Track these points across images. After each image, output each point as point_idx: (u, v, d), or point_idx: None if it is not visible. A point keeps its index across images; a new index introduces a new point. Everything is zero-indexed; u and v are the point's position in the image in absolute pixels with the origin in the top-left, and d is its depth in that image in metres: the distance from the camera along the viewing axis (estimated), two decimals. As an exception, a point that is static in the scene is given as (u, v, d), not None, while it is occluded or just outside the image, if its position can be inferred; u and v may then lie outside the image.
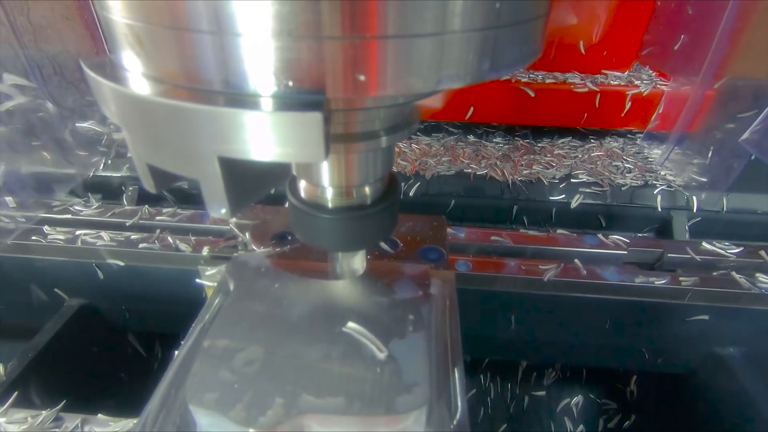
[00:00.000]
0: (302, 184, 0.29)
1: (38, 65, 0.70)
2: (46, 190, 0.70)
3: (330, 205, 0.28)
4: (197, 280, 0.40)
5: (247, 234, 0.40)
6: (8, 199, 0.63)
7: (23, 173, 0.68)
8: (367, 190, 0.28)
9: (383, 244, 0.40)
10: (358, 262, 0.33)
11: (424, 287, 0.30)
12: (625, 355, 0.67)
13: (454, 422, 0.24)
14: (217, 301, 0.31)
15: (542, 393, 0.83)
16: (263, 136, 0.18)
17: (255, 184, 0.24)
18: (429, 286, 0.31)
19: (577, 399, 0.82)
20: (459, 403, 0.25)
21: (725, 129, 0.68)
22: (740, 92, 0.66)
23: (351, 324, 0.27)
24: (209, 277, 0.39)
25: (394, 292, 0.30)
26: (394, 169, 0.79)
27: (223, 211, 0.21)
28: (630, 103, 0.80)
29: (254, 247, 0.37)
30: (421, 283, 0.31)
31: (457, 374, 0.26)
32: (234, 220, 0.43)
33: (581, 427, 0.81)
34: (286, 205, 0.30)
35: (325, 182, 0.27)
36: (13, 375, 0.55)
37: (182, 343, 0.29)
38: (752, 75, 0.65)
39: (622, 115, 0.82)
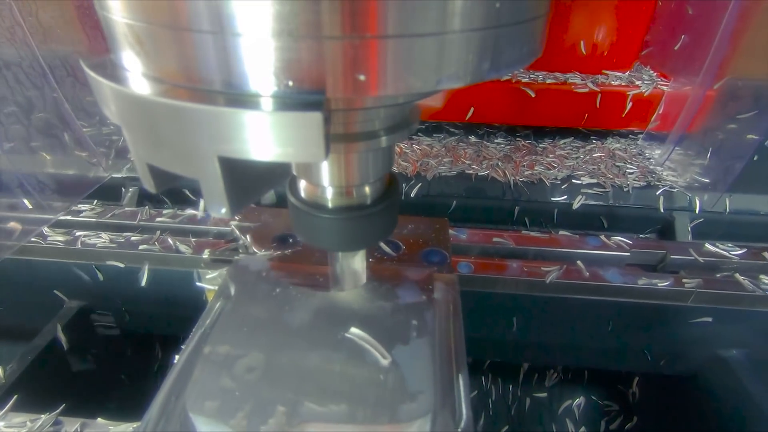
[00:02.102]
0: (302, 184, 0.29)
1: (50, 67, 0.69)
2: (67, 192, 0.69)
3: (330, 204, 0.28)
4: (197, 283, 0.40)
5: (248, 236, 0.40)
6: (25, 201, 0.62)
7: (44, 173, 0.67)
8: (367, 189, 0.28)
9: (385, 247, 0.39)
10: (358, 262, 0.33)
11: (427, 292, 0.30)
12: (627, 357, 0.66)
13: (459, 429, 0.24)
14: (218, 305, 0.30)
15: (544, 394, 0.83)
16: (263, 136, 0.18)
17: (255, 184, 0.24)
18: (432, 290, 0.30)
19: (579, 400, 0.82)
20: (464, 410, 0.24)
21: (725, 129, 0.68)
22: (740, 93, 0.66)
23: (354, 329, 0.27)
24: (210, 281, 0.38)
25: (397, 296, 0.30)
26: (395, 169, 0.79)
27: (223, 210, 0.21)
28: (631, 104, 0.80)
29: (255, 250, 0.37)
30: (425, 288, 0.30)
31: (461, 380, 0.26)
32: (235, 222, 0.43)
33: (583, 428, 0.80)
34: (287, 207, 0.30)
35: (325, 182, 0.27)
36: (13, 378, 0.55)
37: (182, 348, 0.28)
38: (752, 75, 0.65)
39: (623, 115, 0.81)
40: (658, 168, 0.77)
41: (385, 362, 0.25)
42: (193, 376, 0.24)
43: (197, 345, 0.28)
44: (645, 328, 0.60)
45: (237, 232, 0.41)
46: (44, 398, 0.55)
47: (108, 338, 0.70)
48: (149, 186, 0.24)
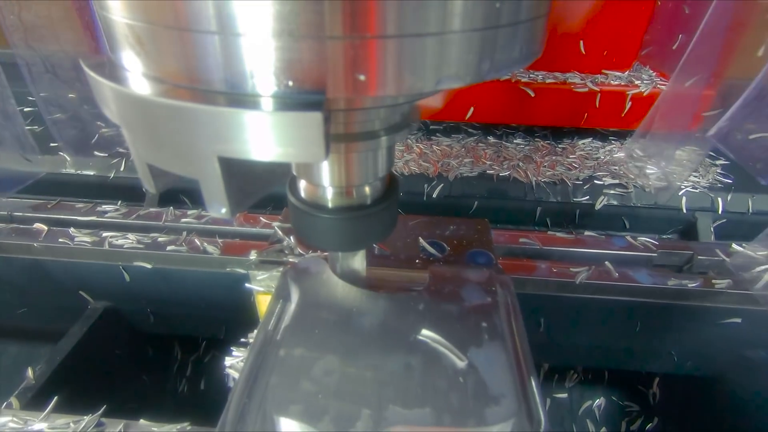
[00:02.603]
0: (302, 184, 0.29)
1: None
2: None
3: (330, 204, 0.28)
4: (247, 285, 0.40)
5: (291, 237, 0.39)
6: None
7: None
8: (367, 189, 0.28)
9: (430, 248, 0.39)
10: (358, 262, 0.33)
11: (491, 293, 0.30)
12: (652, 358, 0.66)
13: (539, 433, 0.24)
14: (278, 307, 0.30)
15: (564, 395, 0.83)
16: (263, 136, 0.18)
17: (255, 184, 0.24)
18: (496, 291, 0.30)
19: (599, 401, 0.82)
20: (541, 414, 0.24)
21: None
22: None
23: (426, 332, 0.27)
24: (260, 282, 0.38)
25: (461, 298, 0.30)
26: (416, 170, 0.79)
27: (224, 210, 0.21)
28: (630, 103, 0.80)
29: (301, 251, 0.37)
30: (488, 289, 0.30)
31: (533, 383, 0.26)
32: (278, 224, 0.43)
33: (603, 429, 0.80)
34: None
35: (325, 182, 0.27)
36: (42, 379, 0.55)
37: (248, 350, 0.28)
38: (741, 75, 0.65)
39: (623, 115, 0.81)
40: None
41: (462, 365, 0.25)
42: (272, 380, 0.24)
43: (262, 347, 0.27)
44: (673, 330, 0.60)
45: (280, 233, 0.41)
46: (73, 399, 0.55)
47: (131, 339, 0.70)
48: (149, 186, 0.24)
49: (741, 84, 0.58)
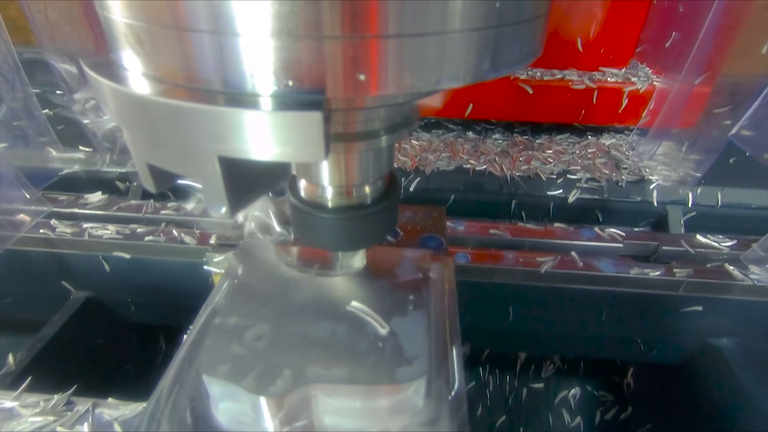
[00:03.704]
0: (302, 184, 0.29)
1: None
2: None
3: (330, 204, 0.28)
4: (205, 267, 0.42)
5: (252, 223, 0.41)
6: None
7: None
8: (367, 189, 0.28)
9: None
10: (358, 261, 0.34)
11: (423, 270, 0.32)
12: (620, 347, 0.68)
13: (452, 394, 0.25)
14: (225, 284, 0.32)
15: (540, 385, 0.84)
16: (263, 135, 0.18)
17: (255, 184, 0.24)
18: (429, 269, 0.32)
19: (575, 391, 0.83)
20: (456, 377, 0.26)
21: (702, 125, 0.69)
22: (719, 89, 0.67)
23: (355, 303, 0.28)
24: (217, 264, 0.40)
25: (395, 275, 0.31)
26: (394, 164, 0.80)
27: (224, 210, 0.21)
28: (627, 100, 0.82)
29: (260, 235, 0.38)
30: (421, 267, 0.32)
31: (455, 351, 0.27)
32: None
33: (578, 418, 0.82)
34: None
35: (325, 182, 0.27)
36: (22, 365, 0.56)
37: (193, 322, 0.30)
38: (737, 72, 0.66)
39: (619, 111, 0.83)
40: (652, 162, 0.78)
41: (383, 332, 0.27)
42: (205, 344, 0.26)
43: (207, 319, 0.29)
44: (637, 318, 0.62)
45: (241, 218, 0.43)
46: (53, 384, 0.57)
47: (113, 328, 0.72)
48: (149, 186, 0.24)
49: (748, 81, 0.59)
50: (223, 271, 0.41)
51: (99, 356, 0.69)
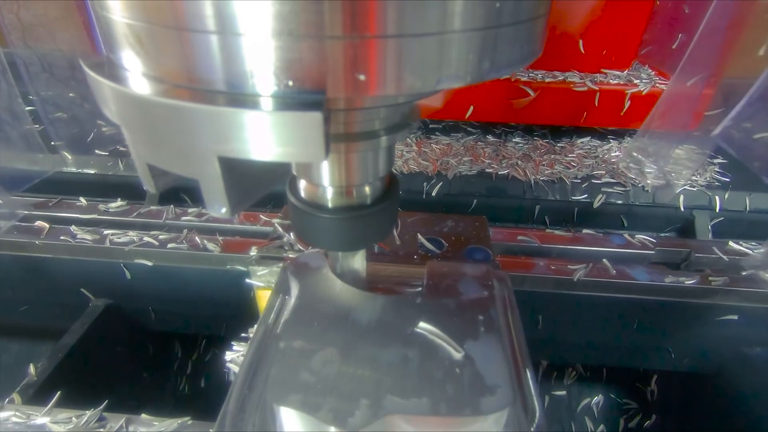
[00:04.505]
0: (302, 184, 0.29)
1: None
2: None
3: (330, 204, 0.28)
4: (247, 280, 0.40)
5: (291, 234, 0.40)
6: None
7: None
8: (367, 189, 0.28)
9: (428, 244, 0.40)
10: (358, 261, 0.33)
11: (488, 288, 0.30)
12: (650, 355, 0.67)
13: (535, 425, 0.24)
14: (278, 302, 0.31)
15: (563, 393, 0.83)
16: (263, 135, 0.18)
17: (255, 184, 0.24)
18: (492, 286, 0.31)
19: (598, 399, 0.82)
20: (536, 406, 0.25)
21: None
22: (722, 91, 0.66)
23: (423, 324, 0.27)
24: (260, 278, 0.39)
25: (458, 292, 0.30)
26: (416, 168, 0.79)
27: (224, 210, 0.21)
28: (629, 102, 0.80)
29: (301, 247, 0.37)
30: (485, 284, 0.31)
31: (529, 375, 0.26)
32: (278, 220, 0.43)
33: (602, 426, 0.81)
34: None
35: (325, 182, 0.27)
36: (44, 375, 0.55)
37: (249, 343, 0.29)
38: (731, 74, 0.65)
39: (622, 114, 0.81)
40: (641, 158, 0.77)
41: (458, 356, 0.26)
42: (272, 371, 0.25)
43: (263, 340, 0.28)
44: (670, 326, 0.61)
45: (280, 229, 0.42)
46: (75, 395, 0.56)
47: (133, 337, 0.70)
48: (149, 186, 0.24)
49: (742, 83, 0.58)
50: (264, 286, 0.39)
51: (119, 365, 0.68)
